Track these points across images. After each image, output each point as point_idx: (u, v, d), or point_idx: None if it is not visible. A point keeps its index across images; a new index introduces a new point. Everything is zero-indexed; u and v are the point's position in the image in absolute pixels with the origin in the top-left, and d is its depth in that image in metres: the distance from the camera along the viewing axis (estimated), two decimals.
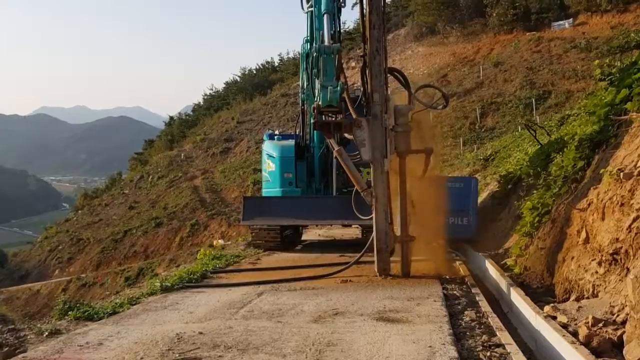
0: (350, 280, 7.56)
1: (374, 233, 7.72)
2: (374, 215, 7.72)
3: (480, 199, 13.31)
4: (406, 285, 7.10)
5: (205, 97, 68.25)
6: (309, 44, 11.86)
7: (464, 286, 7.13)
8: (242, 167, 39.02)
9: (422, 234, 8.07)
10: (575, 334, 4.55)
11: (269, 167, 12.68)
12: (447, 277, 7.81)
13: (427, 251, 8.37)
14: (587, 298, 5.42)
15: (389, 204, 7.76)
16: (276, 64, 66.52)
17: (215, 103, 63.62)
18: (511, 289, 6.27)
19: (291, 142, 12.94)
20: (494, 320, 5.23)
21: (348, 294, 6.68)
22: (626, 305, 4.51)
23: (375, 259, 7.75)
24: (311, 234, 16.49)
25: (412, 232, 7.95)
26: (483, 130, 29.69)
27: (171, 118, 69.86)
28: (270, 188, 12.63)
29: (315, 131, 12.04)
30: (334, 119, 8.26)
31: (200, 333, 4.96)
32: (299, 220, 11.75)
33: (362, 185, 7.77)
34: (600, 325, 4.52)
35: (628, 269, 4.71)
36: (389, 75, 8.18)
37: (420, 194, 8.12)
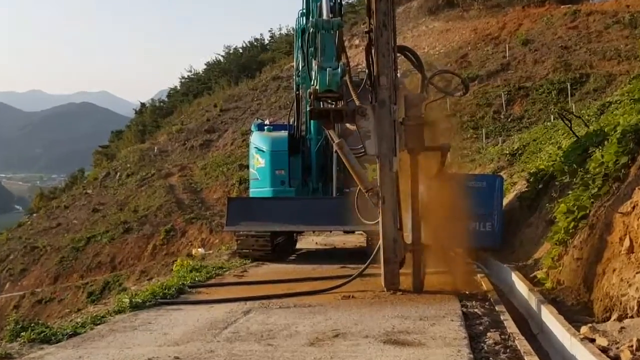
0: (352, 296, 7.57)
1: (381, 241, 7.72)
2: (380, 219, 7.73)
3: (505, 201, 13.32)
4: (419, 302, 7.10)
5: (183, 80, 68.24)
6: (304, 18, 11.87)
7: (487, 303, 7.13)
8: (226, 163, 39.03)
9: (437, 241, 8.07)
10: (616, 359, 4.55)
11: (258, 162, 12.69)
12: (467, 292, 7.80)
13: (443, 262, 8.38)
14: (631, 317, 5.43)
15: (398, 206, 7.77)
16: (266, 41, 66.56)
17: (194, 87, 63.62)
18: (542, 306, 6.28)
19: (284, 133, 12.95)
20: (522, 344, 5.24)
21: (350, 312, 6.67)
22: None
23: (382, 271, 7.76)
24: (307, 242, 16.50)
25: (426, 240, 7.95)
26: (509, 120, 29.72)
27: (142, 105, 69.84)
28: (259, 187, 12.64)
29: (312, 121, 12.05)
30: (333, 106, 8.26)
31: (177, 358, 4.95)
32: (292, 226, 11.76)
33: (366, 184, 7.78)
34: None
35: None
36: (398, 55, 8.19)
37: (435, 195, 8.12)
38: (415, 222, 7.90)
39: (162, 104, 68.30)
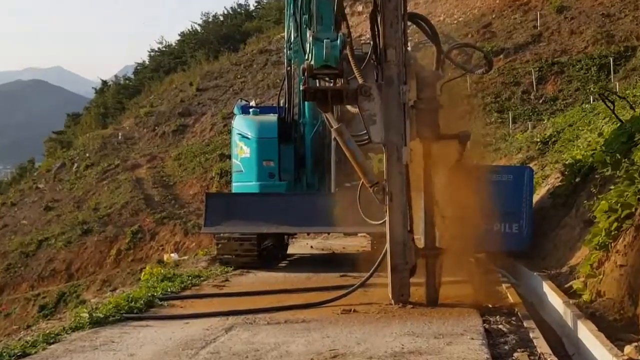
0: (354, 310, 7.60)
1: (388, 244, 7.74)
2: (387, 219, 7.74)
3: (536, 197, 13.35)
4: (433, 317, 7.12)
5: (153, 54, 67.96)
6: None
7: (513, 318, 7.15)
8: (203, 152, 39.00)
9: (454, 246, 8.09)
10: None
11: (242, 152, 12.68)
12: (490, 305, 7.82)
13: (462, 270, 8.40)
14: None
15: (409, 204, 7.78)
16: (252, 7, 66.36)
17: (166, 63, 63.38)
18: (579, 322, 6.30)
19: (273, 117, 12.93)
20: None
21: (352, 329, 6.69)
22: None
23: (389, 280, 7.78)
24: (301, 246, 16.50)
25: (441, 244, 7.97)
26: (541, 101, 29.74)
27: (104, 83, 69.60)
28: (244, 182, 12.64)
29: (306, 102, 12.02)
30: (332, 84, 8.25)
31: None
32: (283, 227, 11.77)
33: (371, 178, 7.79)
34: None
35: None
36: (409, 24, 8.18)
37: (452, 191, 8.14)
38: (429, 222, 7.91)
39: (127, 82, 68.03)
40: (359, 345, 5.98)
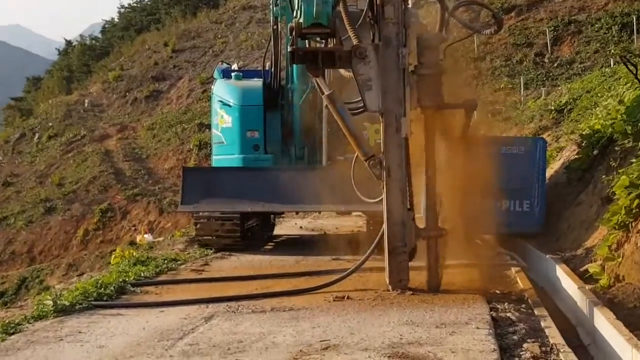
0: (348, 297, 7.63)
1: (385, 225, 7.77)
2: (384, 197, 7.76)
3: (549, 172, 13.41)
4: (434, 305, 7.17)
5: (123, 10, 67.49)
6: None
7: (523, 305, 7.21)
8: (180, 121, 38.88)
9: (459, 226, 8.13)
10: None
11: (223, 121, 12.65)
12: (497, 291, 7.87)
13: (467, 252, 8.45)
14: None
15: (409, 180, 7.80)
16: None
17: (137, 20, 62.92)
18: (595, 309, 6.36)
19: (257, 82, 12.89)
20: (569, 358, 5.32)
21: (345, 317, 6.73)
22: None
23: (386, 264, 7.82)
24: (289, 226, 16.55)
25: (444, 224, 8.00)
26: (556, 65, 29.71)
27: (68, 43, 69.10)
28: (225, 154, 12.62)
29: (294, 65, 11.97)
30: (323, 45, 8.20)
31: None
32: (269, 205, 11.78)
33: (366, 150, 7.79)
34: None
35: None
36: None
37: (456, 165, 8.16)
38: (431, 200, 7.93)
39: (94, 42, 67.56)
40: (353, 335, 6.01)
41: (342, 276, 8.29)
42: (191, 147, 35.00)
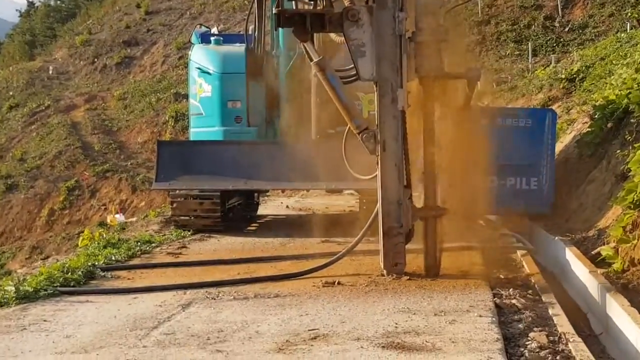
0: (339, 283, 7.66)
1: (379, 204, 7.78)
2: (378, 173, 7.77)
3: (559, 146, 13.43)
4: (433, 291, 7.20)
5: None
6: None
7: (529, 291, 7.25)
8: (155, 90, 38.75)
9: (460, 205, 8.15)
10: None
11: (202, 90, 12.60)
12: (502, 276, 7.91)
13: (469, 234, 8.48)
14: None
15: (406, 155, 7.80)
16: None
17: None
18: (608, 295, 6.39)
19: (239, 48, 12.82)
20: (578, 348, 5.35)
21: (335, 305, 6.75)
22: None
23: (381, 246, 7.84)
24: (274, 206, 16.55)
25: (444, 203, 8.01)
26: (567, 29, 29.68)
27: (31, 4, 68.53)
28: (205, 127, 12.59)
29: (280, 29, 11.91)
30: (311, 7, 8.15)
31: None
32: (253, 182, 11.77)
33: (359, 122, 7.78)
34: None
35: None
36: None
37: (458, 139, 8.16)
38: (430, 177, 7.94)
39: (59, 3, 67.05)
40: (344, 324, 6.03)
41: (332, 260, 8.31)
42: (167, 118, 34.93)
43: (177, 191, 11.71)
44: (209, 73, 12.50)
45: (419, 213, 7.89)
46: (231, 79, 12.38)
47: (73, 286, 7.77)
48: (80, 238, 15.62)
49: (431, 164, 7.87)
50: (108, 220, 22.73)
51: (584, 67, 20.32)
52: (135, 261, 9.51)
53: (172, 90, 37.24)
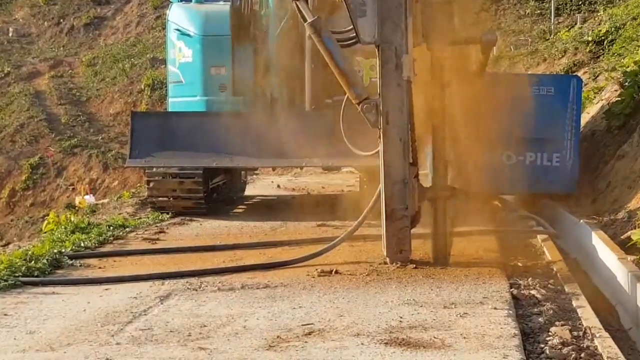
0: (336, 272, 7.67)
1: (382, 183, 7.78)
2: (380, 149, 7.77)
3: (585, 118, 13.41)
4: (442, 281, 7.22)
5: None
6: None
7: (551, 281, 7.28)
8: (129, 55, 38.56)
9: (473, 184, 8.15)
10: None
11: (182, 55, 12.56)
12: (520, 264, 7.94)
13: (483, 216, 8.48)
14: None
15: (411, 128, 7.80)
16: None
17: None
18: (639, 285, 6.40)
19: (224, 6, 12.74)
20: (605, 344, 5.35)
21: (333, 296, 6.77)
22: None
23: (383, 231, 7.85)
24: (264, 185, 16.56)
25: (455, 182, 8.02)
26: None
27: None
28: (185, 96, 12.57)
29: None
30: None
31: None
32: (239, 159, 11.77)
33: (358, 91, 7.77)
34: None
35: None
36: None
37: (471, 111, 8.15)
38: (439, 154, 7.94)
39: None
40: (342, 318, 6.04)
41: (329, 246, 8.32)
42: (142, 87, 34.74)
43: (154, 169, 11.70)
44: (189, 35, 12.44)
45: (426, 194, 7.89)
46: (214, 42, 12.33)
47: (37, 276, 7.76)
48: (45, 222, 15.59)
49: (440, 139, 7.86)
50: (76, 202, 22.69)
51: (613, 28, 20.26)
52: (107, 248, 9.51)
53: (148, 55, 37.04)
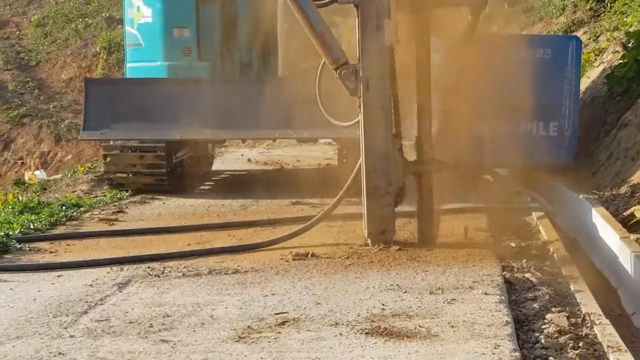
0: (313, 255, 7.69)
1: (362, 157, 7.79)
2: (360, 119, 7.77)
3: (585, 82, 13.45)
4: (428, 264, 7.25)
5: None
6: None
7: (547, 263, 7.33)
8: (82, 14, 38.31)
9: (462, 158, 8.17)
10: None
11: (140, 15, 12.48)
12: (513, 244, 7.98)
13: (473, 192, 8.50)
14: None
15: (394, 97, 7.80)
16: None
17: None
18: None
19: None
20: (606, 332, 5.40)
21: (309, 282, 6.79)
22: None
23: (364, 210, 7.87)
24: (233, 159, 16.54)
25: (443, 155, 8.03)
26: None
27: None
28: (144, 61, 12.51)
29: None
30: None
31: None
32: (206, 131, 11.74)
33: (336, 56, 7.76)
34: None
35: None
36: None
37: (459, 77, 8.16)
38: (424, 124, 7.94)
39: None
40: (319, 306, 6.06)
41: (304, 227, 8.35)
42: (97, 50, 34.53)
43: (112, 142, 11.66)
44: None
45: (411, 168, 7.90)
46: (177, 1, 12.26)
47: None
48: None
49: (426, 108, 7.86)
50: (26, 178, 22.54)
51: None
52: (60, 230, 9.49)
53: (103, 14, 36.79)
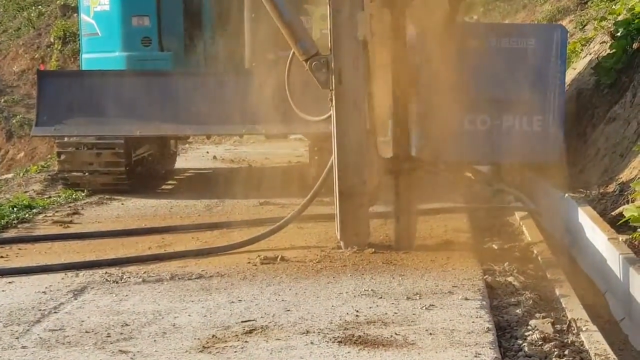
0: (282, 259, 7.70)
1: (335, 154, 7.80)
2: (332, 113, 7.78)
3: (571, 74, 13.51)
4: (405, 267, 7.27)
5: None
6: None
7: (530, 266, 7.37)
8: (34, 2, 38.17)
9: (440, 154, 8.19)
10: None
11: (96, 3, 12.43)
12: (495, 246, 8.02)
13: (453, 192, 8.53)
14: None
15: (368, 90, 7.80)
16: None
17: None
18: (632, 270, 6.47)
19: None
20: (593, 339, 5.43)
21: (278, 287, 6.80)
22: None
23: (337, 210, 7.88)
24: (198, 157, 16.50)
25: (420, 152, 8.05)
26: None
27: None
28: (101, 52, 12.47)
29: None
30: None
31: None
32: (168, 127, 11.72)
33: (306, 46, 7.78)
34: None
35: None
36: None
37: (437, 69, 8.18)
38: (401, 119, 7.96)
39: None
40: (289, 313, 6.08)
41: (273, 228, 8.34)
42: (51, 40, 34.41)
43: (66, 139, 11.62)
44: None
45: (387, 165, 7.91)
46: None
47: None
48: None
49: (402, 103, 7.88)
50: None
51: None
52: (11, 233, 9.45)
53: (58, 2, 36.68)
